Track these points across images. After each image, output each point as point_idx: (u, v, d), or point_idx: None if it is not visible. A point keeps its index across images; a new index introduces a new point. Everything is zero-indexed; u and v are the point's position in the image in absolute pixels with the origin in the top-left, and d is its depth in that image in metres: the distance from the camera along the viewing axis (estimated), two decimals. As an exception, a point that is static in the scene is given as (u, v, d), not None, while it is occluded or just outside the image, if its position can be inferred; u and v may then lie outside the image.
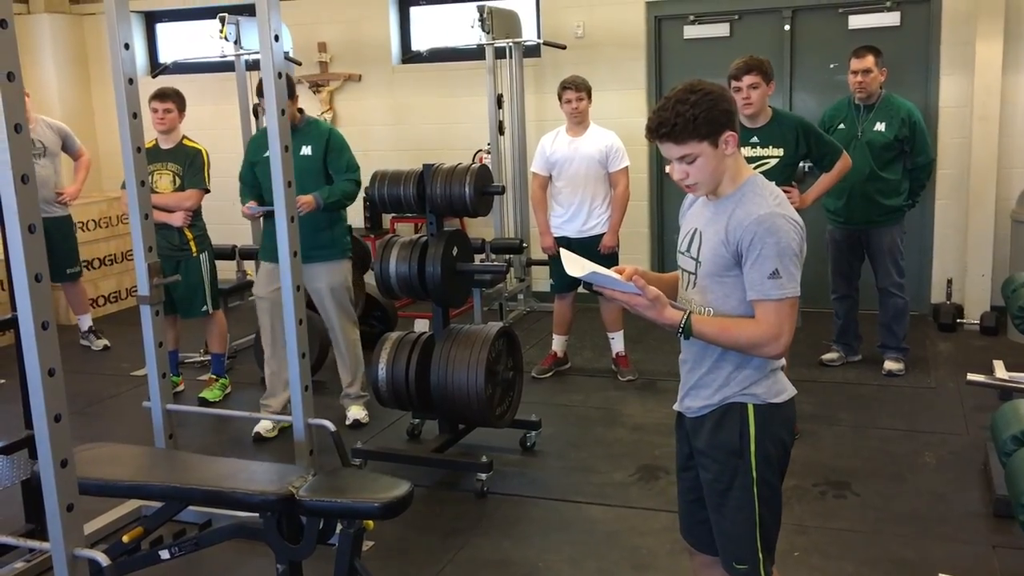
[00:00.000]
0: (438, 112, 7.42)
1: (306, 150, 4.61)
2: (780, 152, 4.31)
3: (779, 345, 2.20)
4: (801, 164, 4.70)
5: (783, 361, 2.36)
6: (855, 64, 5.17)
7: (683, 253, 2.40)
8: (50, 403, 2.29)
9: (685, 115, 2.16)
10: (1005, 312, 5.77)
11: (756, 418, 2.31)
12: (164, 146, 5.20)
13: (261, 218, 4.77)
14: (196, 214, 5.25)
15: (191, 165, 5.17)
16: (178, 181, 5.16)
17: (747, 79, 4.22)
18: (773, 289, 2.17)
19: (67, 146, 6.15)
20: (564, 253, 2.38)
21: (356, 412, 4.86)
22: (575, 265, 2.28)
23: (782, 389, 2.35)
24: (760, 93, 4.25)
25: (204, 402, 5.26)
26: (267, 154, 4.38)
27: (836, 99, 6.59)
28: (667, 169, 2.36)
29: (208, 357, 5.92)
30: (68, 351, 6.28)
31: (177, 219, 5.13)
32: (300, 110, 4.75)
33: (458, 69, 7.25)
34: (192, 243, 5.23)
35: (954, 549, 3.45)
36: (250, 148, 4.86)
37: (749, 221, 2.18)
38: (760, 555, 2.36)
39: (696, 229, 2.35)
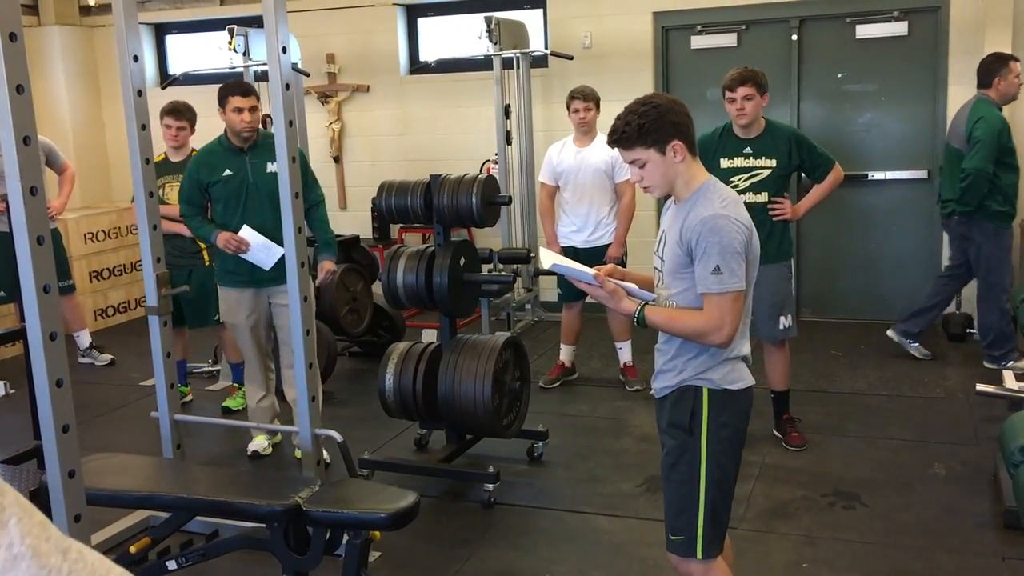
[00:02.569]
0: (446, 122, 7.44)
1: (273, 167, 4.23)
2: (773, 163, 4.33)
3: (722, 334, 2.39)
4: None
5: (745, 351, 2.53)
6: (1020, 67, 5.36)
7: (655, 253, 2.62)
8: (58, 414, 2.30)
9: (632, 124, 2.41)
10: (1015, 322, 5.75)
11: (710, 401, 2.49)
12: (174, 159, 5.22)
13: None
14: None
15: None
16: None
17: (741, 90, 4.24)
18: (715, 284, 2.37)
19: (51, 161, 5.94)
20: (541, 250, 2.70)
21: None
22: (546, 258, 2.58)
23: (739, 378, 2.52)
24: (754, 104, 4.26)
25: (227, 411, 5.29)
26: (227, 173, 4.34)
27: (843, 109, 6.66)
28: None
29: (217, 367, 5.94)
30: (76, 361, 6.32)
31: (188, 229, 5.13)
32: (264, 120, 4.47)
33: (466, 80, 7.27)
34: (205, 252, 5.22)
35: (963, 561, 3.43)
36: (200, 167, 4.40)
37: (696, 222, 2.40)
38: (699, 531, 2.49)
39: (664, 231, 2.57)
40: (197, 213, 4.46)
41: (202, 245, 5.22)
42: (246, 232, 4.29)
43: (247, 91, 4.37)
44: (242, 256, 4.29)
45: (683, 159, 2.43)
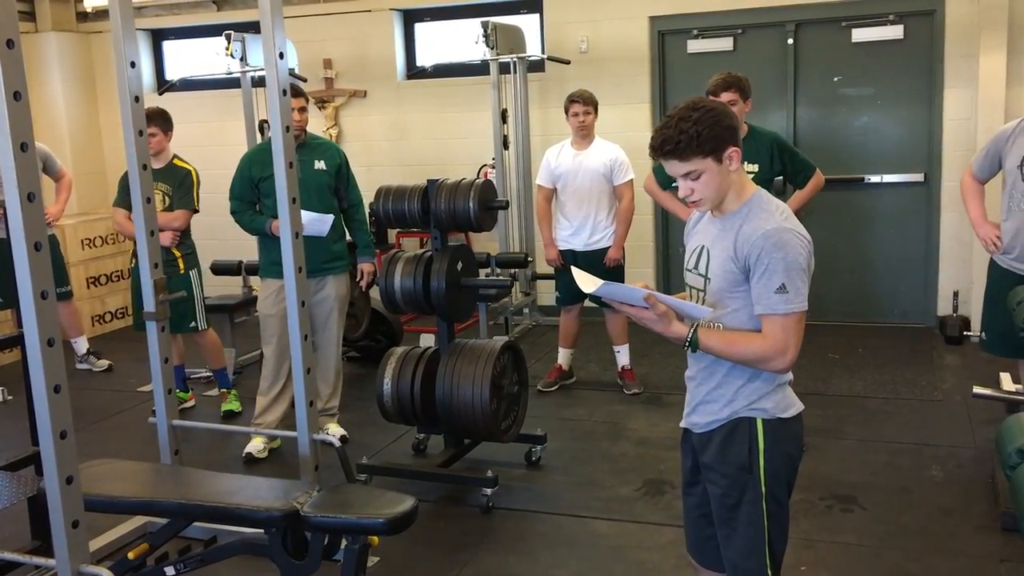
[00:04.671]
0: (443, 127, 7.45)
1: (320, 164, 4.64)
2: (755, 168, 4.35)
3: (786, 359, 2.22)
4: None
5: (791, 376, 2.37)
6: None
7: (691, 271, 2.41)
8: (56, 420, 2.30)
9: (688, 132, 2.18)
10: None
11: (765, 433, 2.31)
12: (154, 166, 5.19)
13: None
14: (185, 233, 5.23)
15: (180, 185, 5.17)
16: (167, 200, 5.16)
17: (725, 96, 4.26)
18: (780, 304, 2.18)
19: (47, 167, 5.94)
20: (575, 271, 2.42)
21: (336, 429, 4.80)
22: (586, 281, 2.30)
23: (790, 404, 2.35)
24: (737, 110, 4.29)
25: (230, 414, 5.34)
26: None
27: (839, 112, 6.68)
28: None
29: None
30: (73, 367, 6.31)
31: (165, 239, 5.08)
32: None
33: (463, 84, 7.28)
34: (180, 261, 5.21)
35: (961, 564, 3.44)
36: (252, 164, 4.67)
37: (757, 236, 2.20)
38: (768, 571, 2.37)
39: (703, 246, 2.36)
40: (248, 208, 4.68)
41: (177, 254, 5.19)
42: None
43: (297, 92, 4.52)
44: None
45: (737, 167, 2.26)
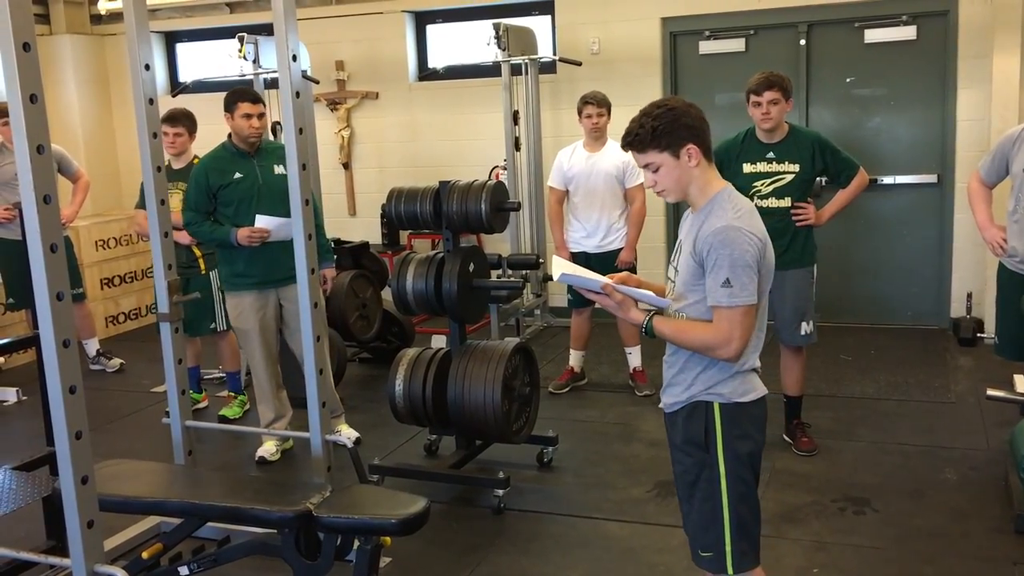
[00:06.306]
0: (454, 129, 7.46)
1: (279, 169, 4.44)
2: (796, 168, 4.31)
3: (731, 349, 2.36)
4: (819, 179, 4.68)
5: (757, 363, 2.50)
6: None
7: (671, 263, 2.59)
8: (71, 420, 2.32)
9: (647, 127, 2.38)
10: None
11: (722, 415, 2.46)
12: (176, 166, 5.22)
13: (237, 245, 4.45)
14: None
15: None
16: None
17: (767, 95, 4.23)
18: (724, 297, 2.34)
19: (63, 169, 5.95)
20: (554, 258, 2.70)
21: (348, 431, 4.80)
22: (556, 268, 2.55)
23: (750, 389, 2.48)
24: (779, 109, 4.26)
25: (224, 419, 5.30)
26: (237, 175, 4.46)
27: (852, 113, 6.66)
28: None
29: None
30: (87, 368, 6.35)
31: (184, 237, 5.09)
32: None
33: (474, 86, 7.29)
34: (201, 260, 5.22)
35: (974, 566, 3.42)
36: (209, 172, 4.48)
37: (709, 233, 2.36)
38: (728, 547, 2.48)
39: (680, 241, 2.54)
40: (205, 219, 4.53)
41: (198, 253, 5.20)
42: (261, 220, 4.40)
43: (256, 99, 4.52)
44: (268, 240, 4.38)
45: (697, 164, 2.40)
